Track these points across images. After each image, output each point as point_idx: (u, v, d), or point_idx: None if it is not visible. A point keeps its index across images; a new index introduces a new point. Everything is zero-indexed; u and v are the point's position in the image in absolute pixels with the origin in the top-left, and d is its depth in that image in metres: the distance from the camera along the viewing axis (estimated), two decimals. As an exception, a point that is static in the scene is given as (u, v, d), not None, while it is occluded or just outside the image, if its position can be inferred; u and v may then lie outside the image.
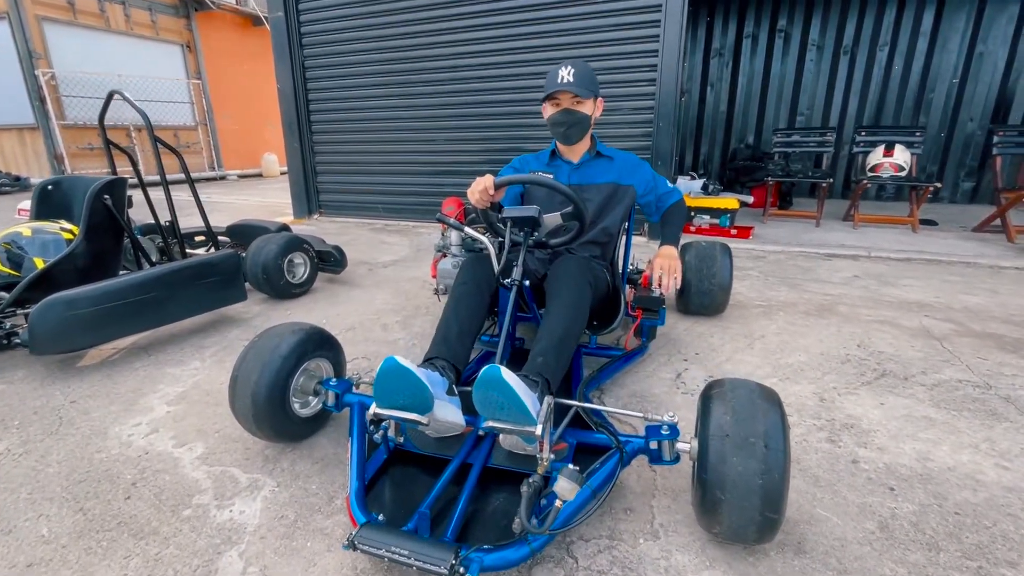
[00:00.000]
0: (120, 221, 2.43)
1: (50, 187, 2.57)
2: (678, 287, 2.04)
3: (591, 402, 1.64)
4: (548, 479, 1.23)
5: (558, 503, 1.03)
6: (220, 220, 4.08)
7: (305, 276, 2.99)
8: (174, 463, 1.48)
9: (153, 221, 2.93)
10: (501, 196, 1.77)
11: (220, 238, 3.48)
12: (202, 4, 10.77)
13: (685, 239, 2.48)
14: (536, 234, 1.65)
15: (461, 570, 0.96)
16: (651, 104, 4.19)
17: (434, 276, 2.34)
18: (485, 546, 1.02)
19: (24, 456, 1.51)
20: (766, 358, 2.15)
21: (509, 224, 1.62)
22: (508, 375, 1.09)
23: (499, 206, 1.69)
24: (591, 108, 1.87)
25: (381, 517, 1.14)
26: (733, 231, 4.57)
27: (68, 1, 8.87)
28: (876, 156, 4.91)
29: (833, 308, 2.75)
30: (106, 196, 2.37)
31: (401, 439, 1.34)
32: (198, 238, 3.44)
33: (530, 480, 1.08)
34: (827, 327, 2.48)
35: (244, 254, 2.81)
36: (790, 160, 5.82)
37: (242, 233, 3.39)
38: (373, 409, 1.22)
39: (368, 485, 1.27)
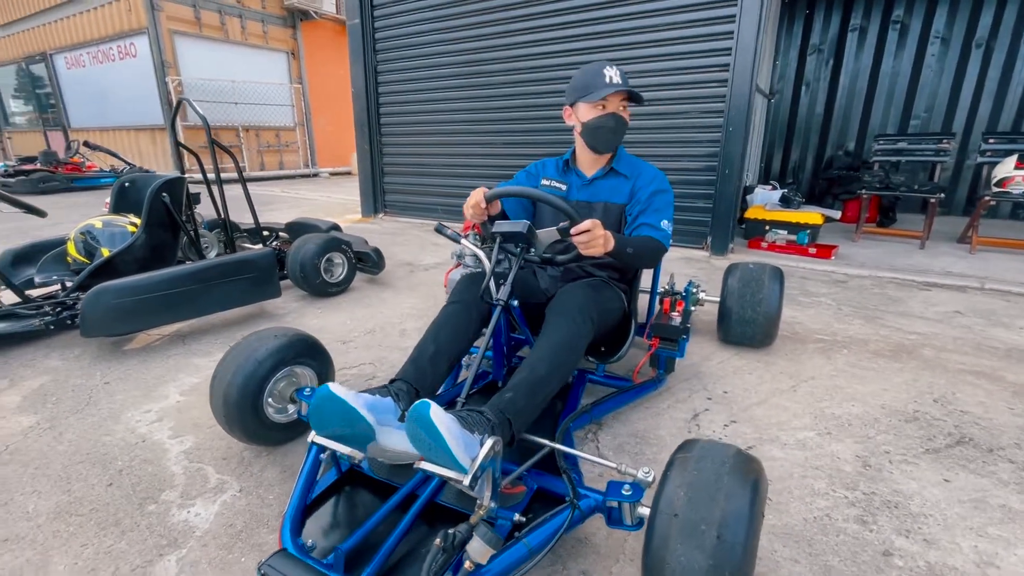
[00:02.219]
0: (176, 217, 2.64)
1: (127, 184, 2.85)
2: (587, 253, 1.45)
3: (573, 439, 1.49)
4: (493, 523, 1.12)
5: (468, 565, 0.91)
6: (298, 215, 4.35)
7: (343, 276, 3.08)
8: (161, 454, 1.55)
9: (216, 216, 3.16)
10: (496, 209, 1.67)
11: (280, 234, 3.70)
12: (306, 14, 11.68)
13: (742, 257, 2.21)
14: (532, 250, 1.53)
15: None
16: (721, 107, 3.84)
17: (446, 285, 2.28)
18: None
19: (47, 432, 1.66)
20: (809, 405, 1.84)
21: (498, 240, 1.51)
22: (437, 414, 0.99)
23: (494, 220, 1.60)
24: (627, 114, 1.71)
25: (311, 542, 1.10)
26: (811, 250, 4.07)
27: (195, 16, 10.01)
28: (1006, 168, 4.13)
29: (914, 350, 2.31)
30: (164, 194, 2.58)
31: (357, 459, 1.29)
32: (265, 233, 3.69)
33: (450, 531, 0.97)
34: (899, 373, 2.09)
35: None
36: (893, 170, 5.10)
37: (297, 230, 3.58)
38: (311, 436, 1.18)
39: (315, 503, 1.24)
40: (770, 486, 1.41)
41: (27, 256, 2.71)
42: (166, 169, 10.23)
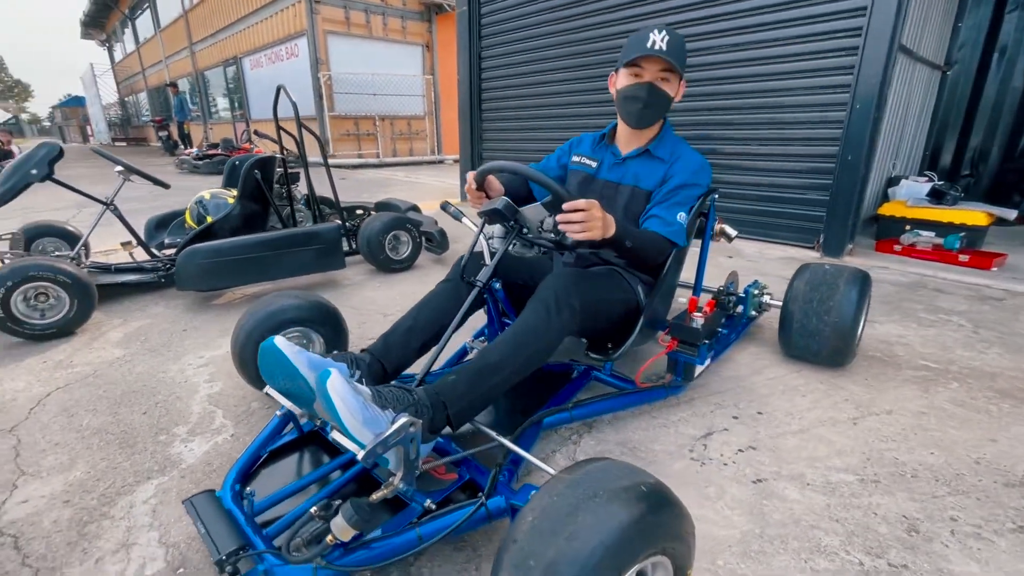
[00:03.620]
0: (265, 191, 2.99)
1: (236, 163, 3.30)
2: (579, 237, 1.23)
3: (534, 436, 1.37)
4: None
5: (328, 539, 0.89)
6: (406, 198, 4.68)
7: (407, 253, 3.22)
8: (191, 395, 1.77)
9: (309, 193, 3.52)
10: (498, 189, 1.60)
11: (372, 212, 4.00)
12: (440, 7, 12.33)
13: (864, 261, 1.86)
14: (526, 230, 1.44)
15: (230, 570, 0.92)
16: (846, 79, 3.22)
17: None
18: (277, 554, 0.94)
19: (125, 364, 2.00)
20: (866, 444, 1.48)
21: (484, 220, 1.45)
22: (333, 384, 0.98)
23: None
24: (675, 88, 1.51)
25: (249, 490, 1.16)
26: (963, 257, 3.25)
27: (345, 16, 11.17)
28: None
29: (1066, 395, 1.73)
30: (256, 171, 2.93)
31: (298, 416, 1.33)
32: (359, 211, 4.02)
33: (334, 503, 0.96)
34: (1021, 420, 1.58)
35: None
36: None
37: (382, 209, 3.84)
38: (266, 388, 1.24)
39: (273, 456, 1.31)
40: (762, 531, 1.16)
41: (165, 222, 3.29)
42: (315, 154, 11.66)
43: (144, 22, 20.43)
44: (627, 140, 1.68)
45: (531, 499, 0.80)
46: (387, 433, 0.98)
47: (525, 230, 1.43)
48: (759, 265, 3.32)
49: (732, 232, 2.09)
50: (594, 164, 1.75)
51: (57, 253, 2.92)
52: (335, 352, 1.35)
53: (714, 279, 2.27)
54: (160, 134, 15.06)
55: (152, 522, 1.20)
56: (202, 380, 1.87)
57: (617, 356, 1.56)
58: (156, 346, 2.16)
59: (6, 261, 2.44)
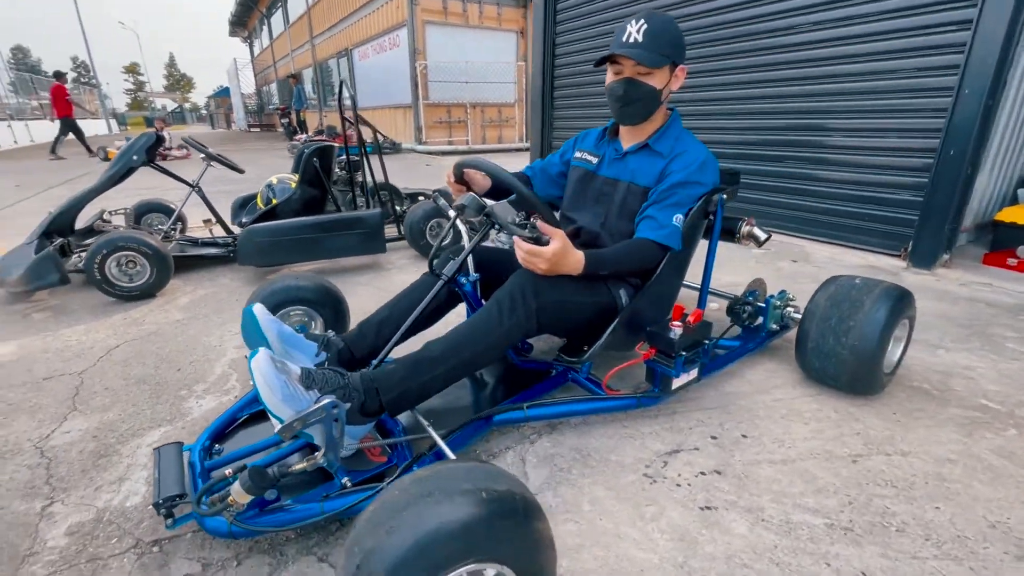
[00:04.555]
0: (322, 177, 3.25)
1: (305, 150, 3.61)
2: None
3: (469, 432, 1.38)
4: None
5: (230, 499, 1.00)
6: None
7: (448, 241, 3.33)
8: (218, 359, 2.02)
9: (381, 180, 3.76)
10: (480, 184, 1.62)
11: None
12: (536, -7, 12.26)
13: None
14: (497, 227, 1.46)
15: (164, 512, 1.06)
16: (955, 58, 2.73)
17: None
18: (195, 506, 1.08)
19: (182, 325, 2.33)
20: (856, 486, 1.30)
21: (455, 214, 1.49)
22: (257, 362, 1.08)
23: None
24: (663, 79, 1.44)
25: (218, 448, 1.33)
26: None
27: (443, 7, 11.54)
28: None
29: None
30: (315, 159, 3.20)
31: None
32: (420, 198, 4.23)
33: (249, 464, 1.07)
34: (1088, 488, 1.29)
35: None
36: None
37: (444, 196, 4.00)
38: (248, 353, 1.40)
39: (251, 419, 1.47)
40: (684, 561, 1.09)
41: (246, 202, 3.71)
42: (409, 142, 12.28)
43: (277, 19, 22.75)
44: (629, 134, 1.62)
45: (382, 490, 0.84)
46: (306, 411, 1.06)
47: (497, 227, 1.44)
48: (827, 272, 2.97)
49: (762, 235, 1.90)
50: (595, 160, 1.71)
51: (158, 226, 3.44)
52: (310, 332, 1.46)
53: (772, 286, 2.10)
54: (282, 121, 16.77)
55: (146, 463, 1.41)
56: (231, 346, 2.13)
57: (586, 359, 1.53)
58: (209, 312, 2.48)
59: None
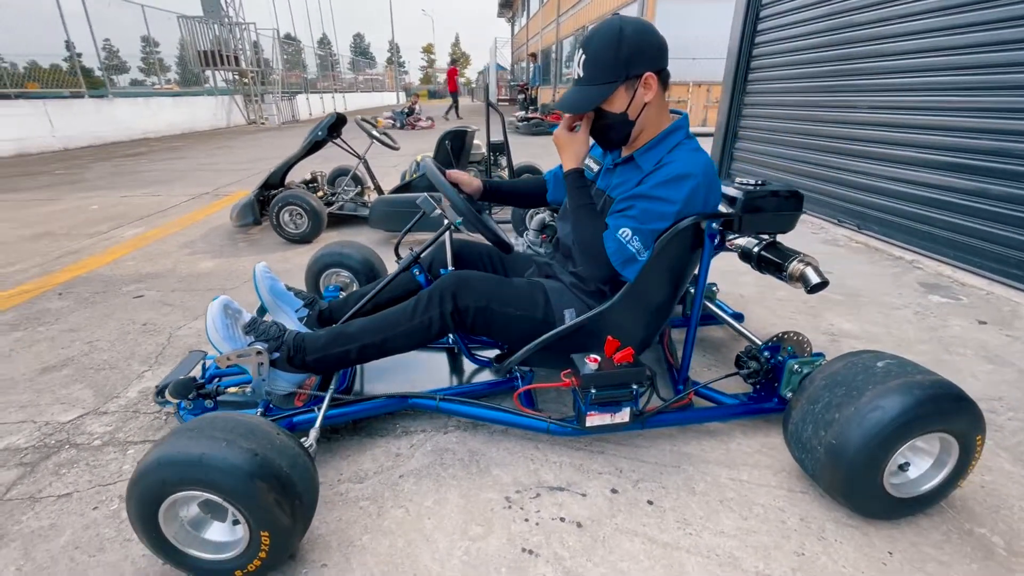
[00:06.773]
0: (451, 158, 3.64)
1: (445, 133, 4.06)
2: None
3: (400, 407, 1.53)
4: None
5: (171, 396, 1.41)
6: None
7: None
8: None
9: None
10: (469, 184, 1.74)
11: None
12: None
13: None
14: (459, 222, 1.58)
15: (159, 399, 1.55)
16: None
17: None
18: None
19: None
20: (727, 609, 1.04)
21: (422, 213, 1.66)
22: (211, 307, 1.45)
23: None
24: (622, 101, 1.33)
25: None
26: None
27: (678, -23, 10.78)
28: None
29: None
30: (447, 141, 3.60)
31: None
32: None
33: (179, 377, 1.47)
34: None
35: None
36: None
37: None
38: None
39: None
40: (453, 584, 1.09)
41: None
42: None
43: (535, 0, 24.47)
44: (628, 145, 1.50)
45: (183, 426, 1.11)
46: (239, 351, 1.41)
47: (458, 222, 1.55)
48: (880, 300, 2.07)
49: (814, 278, 1.54)
50: (596, 168, 1.65)
51: (345, 187, 4.35)
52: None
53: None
54: (518, 96, 18.31)
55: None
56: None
57: (504, 368, 1.53)
58: (332, 262, 3.13)
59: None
